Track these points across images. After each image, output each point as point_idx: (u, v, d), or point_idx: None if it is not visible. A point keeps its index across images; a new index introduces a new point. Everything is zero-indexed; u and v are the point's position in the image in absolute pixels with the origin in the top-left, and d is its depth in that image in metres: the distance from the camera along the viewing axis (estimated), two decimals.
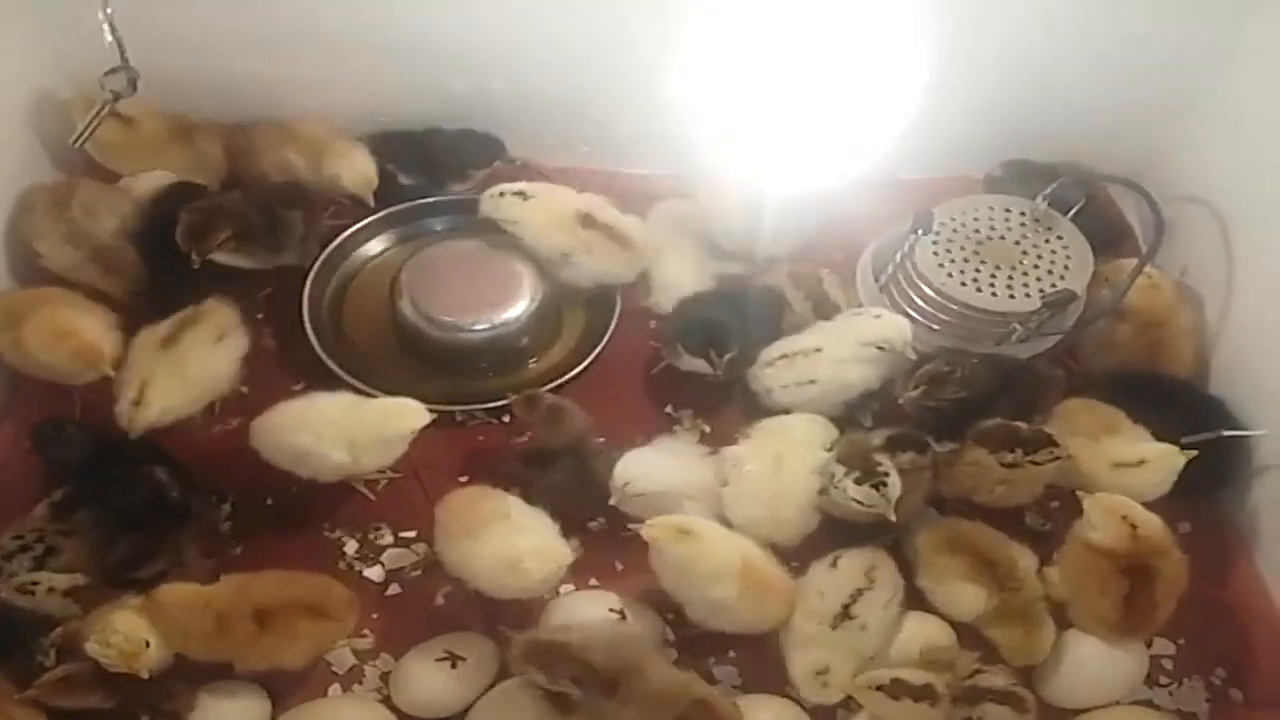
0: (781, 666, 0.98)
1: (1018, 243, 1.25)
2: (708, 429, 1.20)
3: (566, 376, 1.21)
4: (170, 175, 1.30)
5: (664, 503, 1.02)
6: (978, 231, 1.26)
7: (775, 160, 1.26)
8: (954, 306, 1.21)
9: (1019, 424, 1.02)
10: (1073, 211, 1.27)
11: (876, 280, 1.29)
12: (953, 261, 1.23)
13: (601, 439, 1.11)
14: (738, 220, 1.31)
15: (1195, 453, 1.04)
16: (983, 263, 1.23)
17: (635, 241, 1.27)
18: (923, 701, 0.91)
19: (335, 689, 1.00)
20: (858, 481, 0.98)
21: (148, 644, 0.88)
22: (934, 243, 1.24)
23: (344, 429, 1.03)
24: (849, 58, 1.18)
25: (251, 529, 1.08)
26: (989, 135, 1.37)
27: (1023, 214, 1.28)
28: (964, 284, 1.21)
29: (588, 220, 1.25)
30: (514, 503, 1.01)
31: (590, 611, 1.02)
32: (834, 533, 1.05)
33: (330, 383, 1.15)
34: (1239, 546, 1.14)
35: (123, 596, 0.93)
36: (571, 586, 1.06)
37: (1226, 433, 1.10)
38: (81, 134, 1.22)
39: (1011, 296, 1.19)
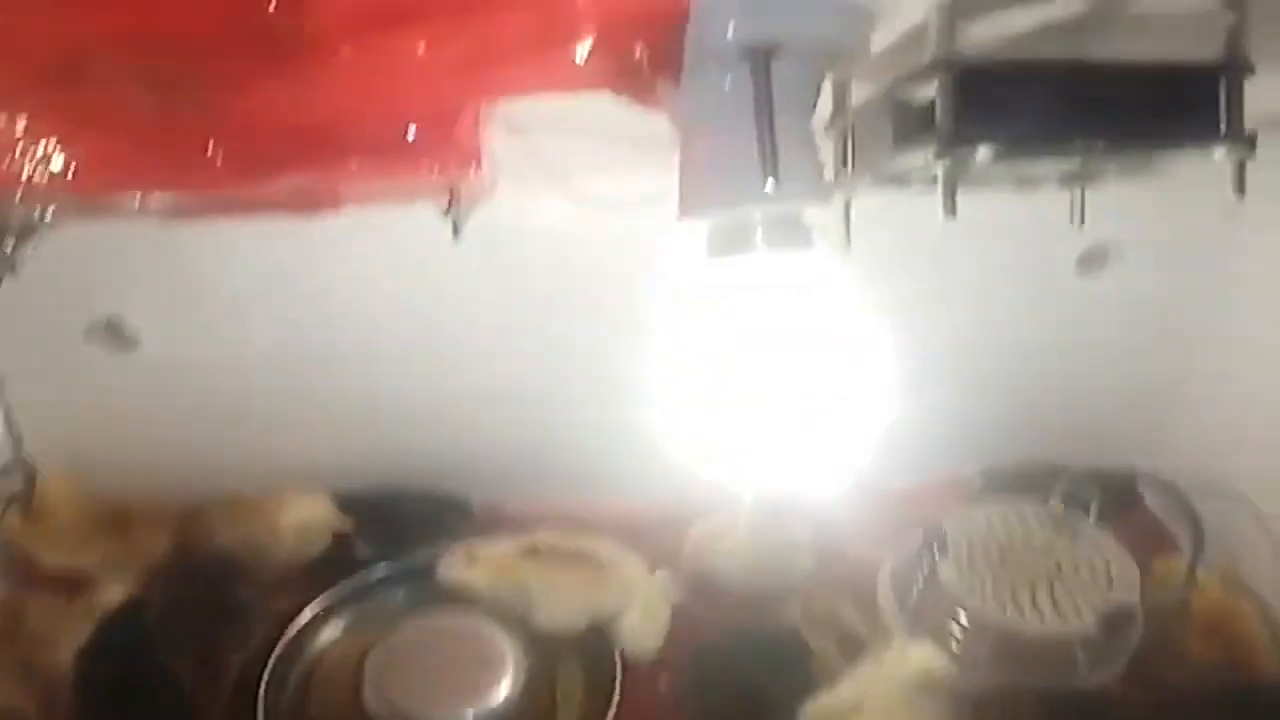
0: None
1: (1046, 553, 1.15)
2: None
3: None
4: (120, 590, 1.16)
5: None
6: (998, 543, 1.16)
7: (760, 483, 1.20)
8: (999, 634, 1.07)
9: None
10: (1093, 511, 1.19)
11: (903, 608, 1.16)
12: (982, 582, 1.11)
13: None
14: (732, 551, 1.21)
15: None
16: (1016, 580, 1.11)
17: (607, 563, 1.16)
18: None
19: None
20: None
21: None
22: (954, 561, 1.14)
23: None
24: (823, 371, 1.14)
25: None
26: (981, 434, 1.32)
27: (1039, 519, 1.19)
28: (1004, 607, 1.08)
29: (548, 551, 1.16)
30: None
31: None
32: None
33: None
34: None
35: None
36: None
37: None
38: None
39: (1060, 617, 1.07)
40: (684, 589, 1.21)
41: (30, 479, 1.11)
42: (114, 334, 1.17)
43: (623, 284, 1.07)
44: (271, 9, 0.52)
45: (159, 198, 0.90)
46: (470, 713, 1.03)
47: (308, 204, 0.93)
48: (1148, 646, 1.08)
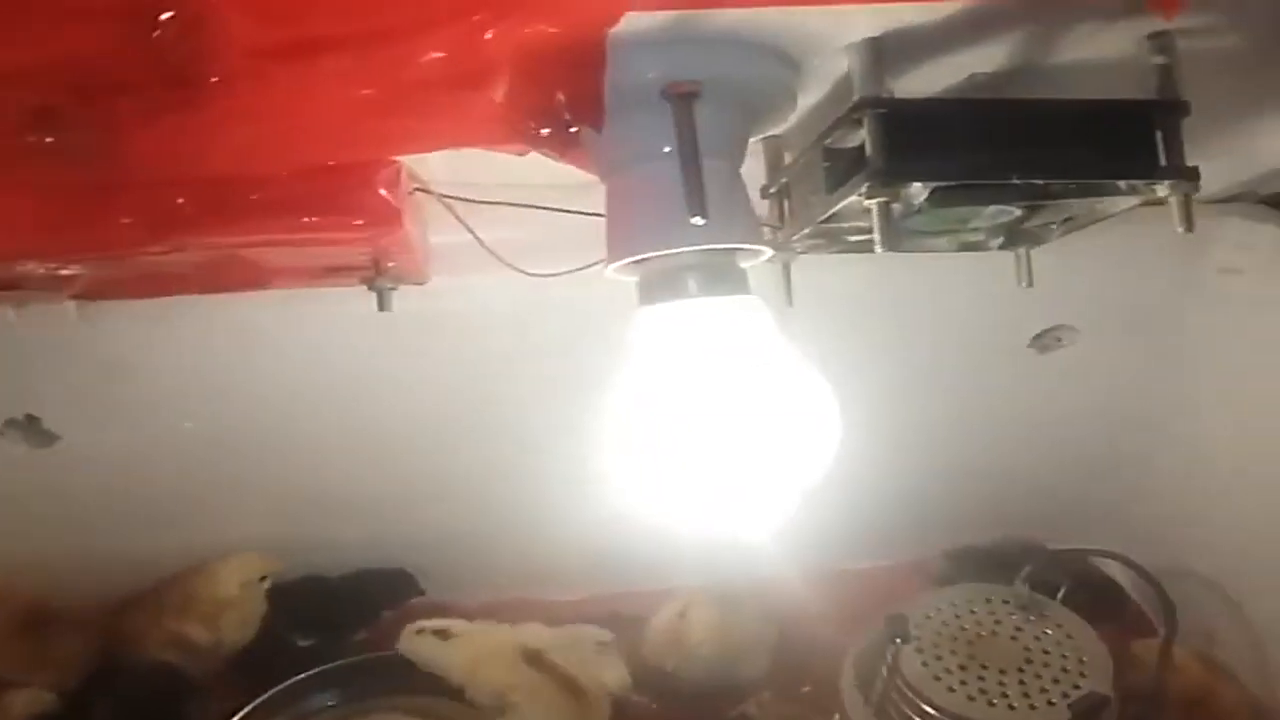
0: None
1: (1014, 638, 1.08)
2: None
3: None
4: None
5: None
6: (964, 629, 1.10)
7: (716, 567, 1.15)
8: None
9: None
10: (1061, 593, 1.14)
11: (866, 700, 1.09)
12: (949, 671, 1.05)
13: None
14: (688, 648, 1.15)
15: None
16: (984, 668, 1.05)
17: (588, 692, 1.07)
18: None
19: None
20: None
21: None
22: (918, 650, 1.07)
23: None
24: (776, 448, 1.11)
25: None
26: (945, 515, 1.28)
27: (1006, 603, 1.13)
28: (972, 698, 1.01)
29: (534, 658, 1.08)
30: None
31: None
32: None
33: None
34: None
35: None
36: None
37: None
38: None
39: (1032, 707, 1.00)
40: (639, 686, 1.15)
41: None
42: (32, 429, 1.12)
43: (565, 360, 1.04)
44: (157, 35, 0.49)
45: (70, 273, 0.86)
46: None
47: (230, 280, 0.89)
48: None
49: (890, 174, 0.64)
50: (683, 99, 0.62)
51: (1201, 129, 0.94)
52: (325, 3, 0.54)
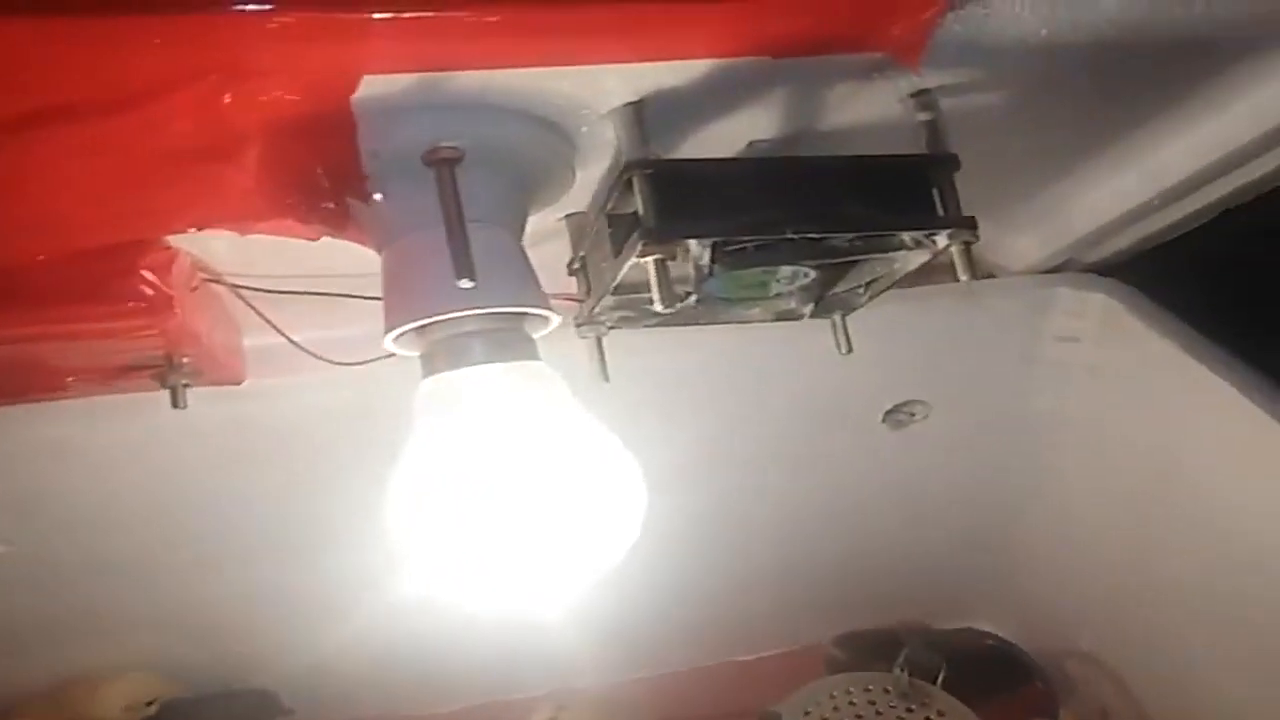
0: None
1: None
2: None
3: None
4: None
5: None
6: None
7: (597, 666, 1.09)
8: None
9: None
10: (941, 676, 1.10)
11: None
12: None
13: None
14: None
15: None
16: None
17: None
18: None
19: None
20: None
21: None
22: None
23: None
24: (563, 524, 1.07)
25: None
26: (824, 599, 1.25)
27: (887, 692, 1.09)
28: None
29: None
30: None
31: None
32: None
33: None
34: None
35: None
36: None
37: None
38: None
39: None
40: None
41: None
42: None
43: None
44: None
45: None
46: None
47: (23, 386, 0.84)
48: None
49: (662, 232, 0.64)
50: (444, 164, 0.61)
51: (1004, 201, 0.97)
52: (48, 68, 0.53)
